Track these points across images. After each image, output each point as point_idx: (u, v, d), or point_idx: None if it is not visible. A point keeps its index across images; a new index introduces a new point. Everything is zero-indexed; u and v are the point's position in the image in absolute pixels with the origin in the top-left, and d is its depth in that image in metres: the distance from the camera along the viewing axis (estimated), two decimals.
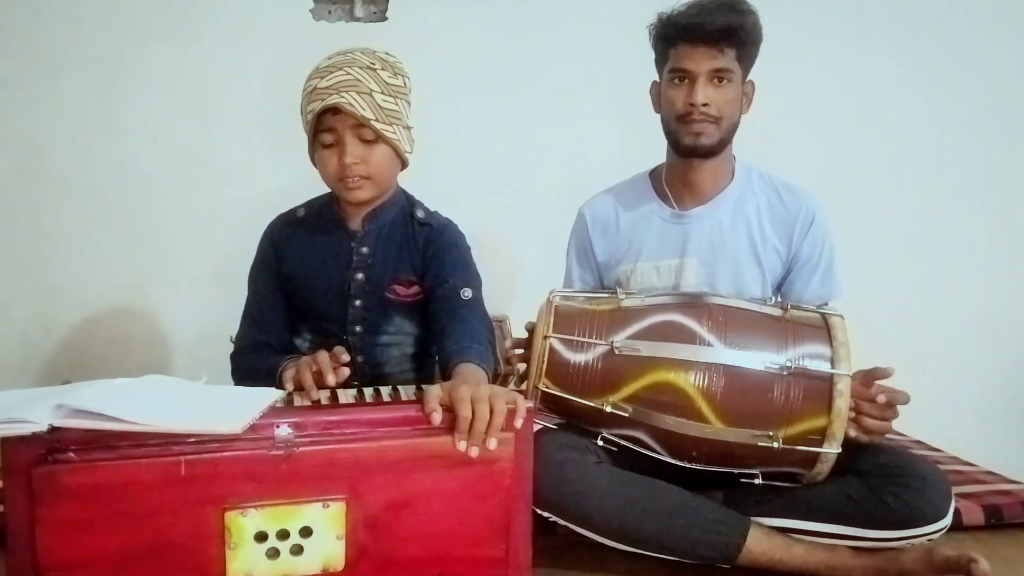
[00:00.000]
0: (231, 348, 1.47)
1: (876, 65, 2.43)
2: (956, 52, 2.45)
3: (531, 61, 2.31)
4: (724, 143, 1.50)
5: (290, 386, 1.17)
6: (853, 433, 1.30)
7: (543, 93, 2.32)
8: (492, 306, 1.46)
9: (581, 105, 2.32)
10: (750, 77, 1.52)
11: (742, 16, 1.43)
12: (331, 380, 1.15)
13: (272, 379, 1.29)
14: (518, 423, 1.04)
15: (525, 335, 1.44)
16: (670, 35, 1.47)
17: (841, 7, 2.40)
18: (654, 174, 1.63)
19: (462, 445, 1.02)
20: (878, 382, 1.32)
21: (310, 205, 1.51)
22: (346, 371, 1.18)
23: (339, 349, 1.22)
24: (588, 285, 1.64)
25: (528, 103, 2.32)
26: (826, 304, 1.50)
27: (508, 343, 1.48)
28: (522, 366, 1.47)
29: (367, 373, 1.44)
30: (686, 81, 1.46)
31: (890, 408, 1.32)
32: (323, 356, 1.19)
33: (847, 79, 2.42)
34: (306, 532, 1.01)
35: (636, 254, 1.57)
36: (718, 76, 1.45)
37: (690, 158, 1.52)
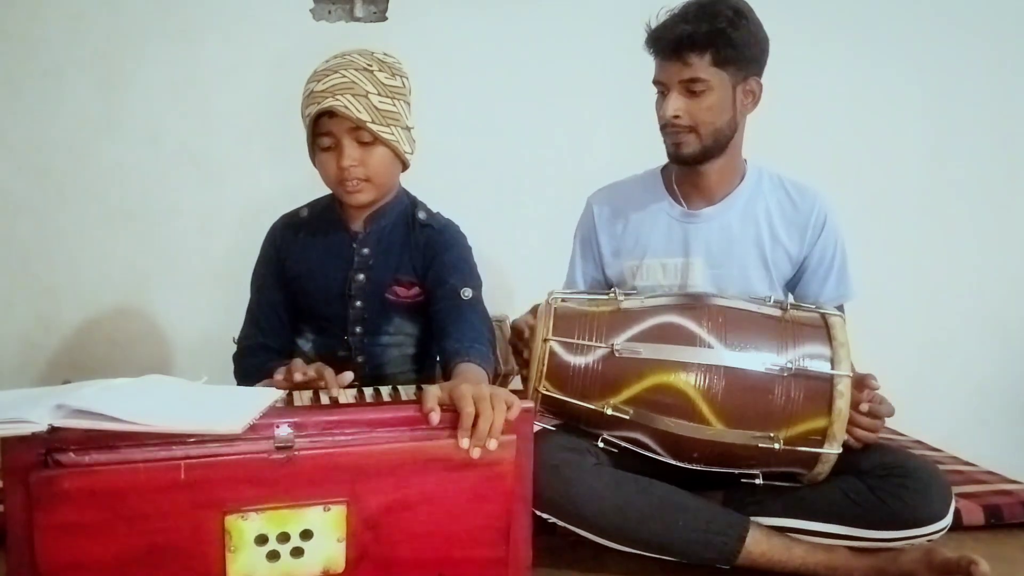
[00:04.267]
0: (233, 348, 1.47)
1: (876, 65, 2.43)
2: (956, 52, 2.45)
3: (531, 61, 2.31)
4: (711, 150, 1.48)
5: (299, 377, 1.17)
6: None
7: (543, 93, 2.32)
8: (492, 306, 1.46)
9: (581, 105, 2.32)
10: (762, 77, 1.49)
11: (711, 22, 1.39)
12: (334, 392, 1.14)
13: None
14: (512, 415, 1.04)
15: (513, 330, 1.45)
16: (648, 48, 1.48)
17: (841, 8, 2.40)
18: (665, 171, 1.62)
19: (465, 442, 1.01)
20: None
21: (313, 206, 1.51)
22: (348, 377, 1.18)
23: (347, 376, 1.19)
24: (590, 277, 1.64)
25: (528, 103, 2.32)
26: (841, 305, 1.50)
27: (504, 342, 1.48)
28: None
29: (368, 374, 1.44)
30: (665, 93, 1.47)
31: (875, 417, 1.33)
32: (330, 374, 1.17)
33: (847, 79, 2.42)
34: (307, 535, 1.00)
35: (643, 251, 1.57)
36: (691, 86, 1.43)
37: (679, 165, 1.53)
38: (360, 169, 1.33)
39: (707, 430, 1.29)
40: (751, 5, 1.47)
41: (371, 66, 1.32)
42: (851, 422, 1.29)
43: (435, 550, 1.06)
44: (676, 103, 1.44)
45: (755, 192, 1.56)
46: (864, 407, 1.31)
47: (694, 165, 1.51)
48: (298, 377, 1.17)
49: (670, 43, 1.42)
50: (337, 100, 1.27)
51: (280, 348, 1.44)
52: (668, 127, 1.47)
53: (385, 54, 1.37)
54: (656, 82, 1.49)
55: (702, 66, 1.42)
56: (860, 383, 1.31)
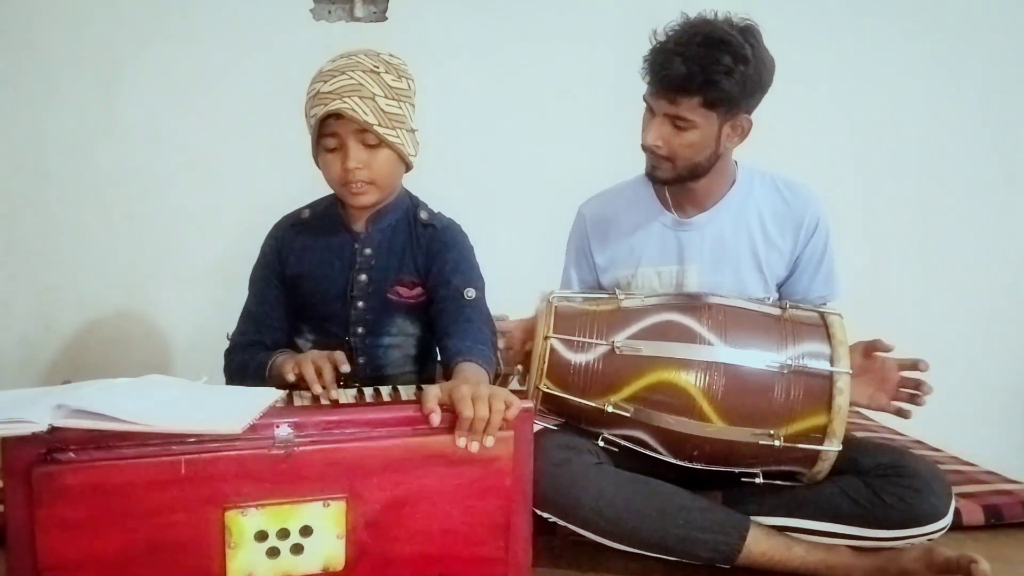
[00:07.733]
0: (227, 344, 1.47)
1: (875, 63, 2.43)
2: (956, 51, 2.45)
3: (531, 61, 2.31)
4: (686, 179, 1.48)
5: (291, 376, 1.18)
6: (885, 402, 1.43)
7: (543, 93, 2.32)
8: (491, 306, 1.46)
9: (580, 105, 2.32)
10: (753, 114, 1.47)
11: (707, 68, 1.34)
12: (330, 386, 1.15)
13: (262, 373, 1.30)
14: (511, 414, 1.04)
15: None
16: (642, 68, 1.44)
17: (840, 6, 2.40)
18: None
19: (461, 441, 1.04)
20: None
21: (314, 206, 1.50)
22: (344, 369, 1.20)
23: (340, 356, 1.22)
24: (586, 286, 1.63)
25: (527, 103, 2.32)
26: (825, 303, 1.50)
27: (502, 343, 1.48)
28: (520, 367, 1.48)
29: (369, 374, 1.43)
30: (652, 113, 1.46)
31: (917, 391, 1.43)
32: (327, 365, 1.19)
33: (847, 78, 2.42)
34: (306, 531, 1.01)
35: (636, 260, 1.57)
36: (676, 121, 1.41)
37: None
38: (365, 171, 1.33)
39: (708, 427, 1.29)
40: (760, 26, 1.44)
41: (378, 68, 1.31)
42: (895, 396, 1.42)
43: (434, 548, 1.06)
44: (657, 132, 1.43)
45: (747, 195, 1.55)
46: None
47: (668, 184, 1.52)
48: (310, 373, 1.17)
49: (661, 81, 1.39)
50: (345, 102, 1.27)
51: (272, 346, 1.43)
52: (647, 150, 1.47)
53: (391, 55, 1.36)
54: (645, 100, 1.47)
55: (690, 107, 1.39)
56: (872, 347, 1.42)
